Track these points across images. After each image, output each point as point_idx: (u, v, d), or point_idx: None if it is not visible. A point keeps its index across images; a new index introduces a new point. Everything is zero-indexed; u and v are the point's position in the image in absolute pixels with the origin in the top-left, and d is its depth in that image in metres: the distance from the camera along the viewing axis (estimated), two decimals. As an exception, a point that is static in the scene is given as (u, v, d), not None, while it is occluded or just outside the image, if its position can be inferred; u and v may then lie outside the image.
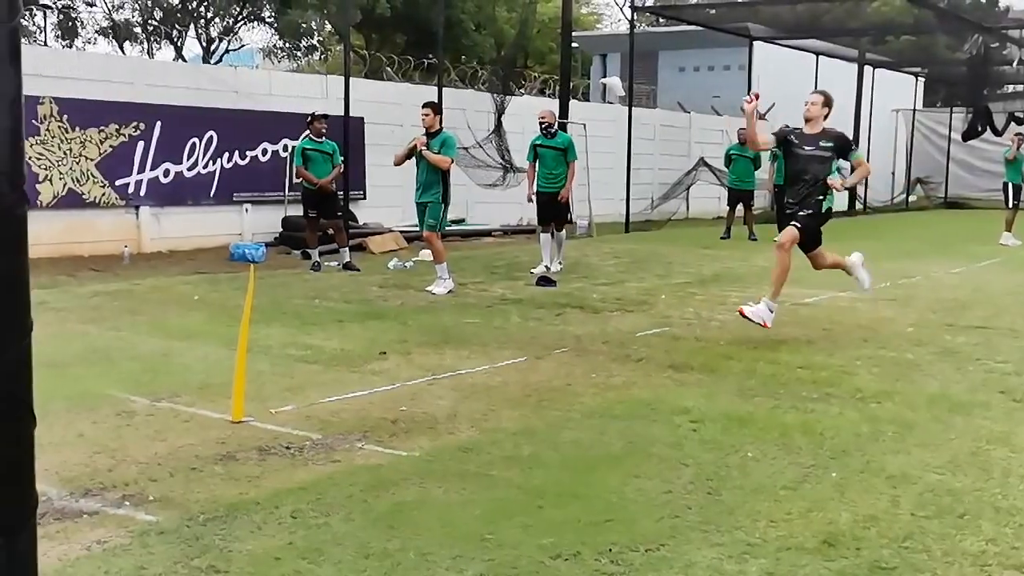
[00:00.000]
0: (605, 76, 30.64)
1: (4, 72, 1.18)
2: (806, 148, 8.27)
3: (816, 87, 26.92)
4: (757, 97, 8.31)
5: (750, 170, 18.61)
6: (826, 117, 8.46)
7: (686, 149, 25.20)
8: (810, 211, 8.25)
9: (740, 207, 18.94)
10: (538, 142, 12.92)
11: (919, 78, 34.19)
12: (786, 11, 23.51)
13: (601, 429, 5.47)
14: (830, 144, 8.31)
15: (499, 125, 18.59)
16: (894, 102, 33.39)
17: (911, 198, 33.62)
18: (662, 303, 10.31)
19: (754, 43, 25.57)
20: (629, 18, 22.52)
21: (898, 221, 26.11)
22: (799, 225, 8.21)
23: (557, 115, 14.93)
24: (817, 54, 27.19)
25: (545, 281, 11.59)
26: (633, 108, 21.70)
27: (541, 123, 12.90)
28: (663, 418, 5.70)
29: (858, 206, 29.58)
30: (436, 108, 11.24)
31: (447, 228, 17.88)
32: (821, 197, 8.28)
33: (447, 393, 6.25)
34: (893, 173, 33.25)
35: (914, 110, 33.92)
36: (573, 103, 20.50)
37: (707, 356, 7.50)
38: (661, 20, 31.15)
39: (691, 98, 28.36)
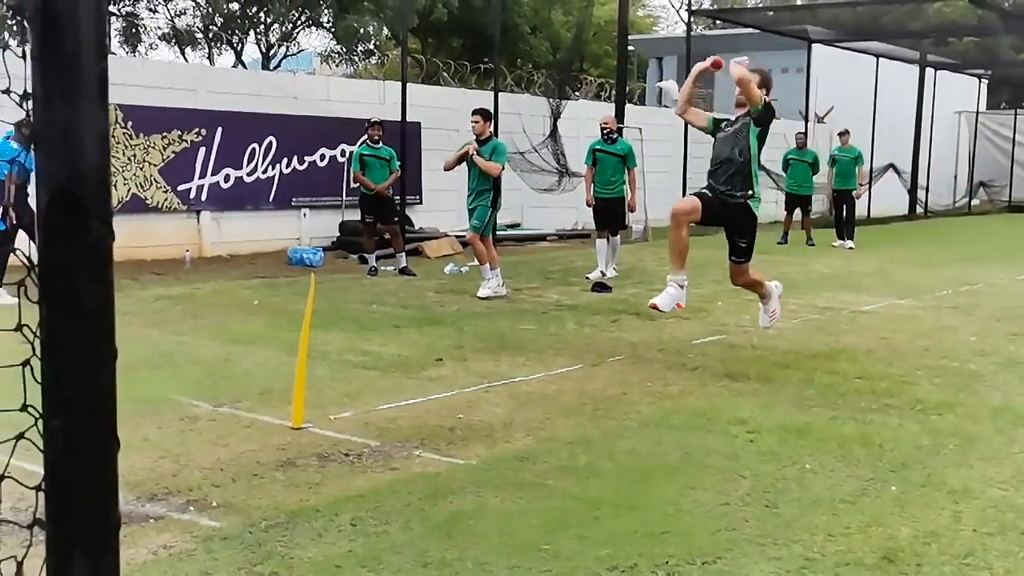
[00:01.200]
0: (661, 80, 30.51)
1: (95, 113, 1.23)
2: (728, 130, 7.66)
3: (876, 90, 26.64)
4: (718, 65, 7.60)
5: (808, 175, 18.44)
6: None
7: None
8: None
9: (798, 212, 18.76)
10: (598, 147, 12.96)
11: (982, 79, 33.59)
12: (846, 13, 23.25)
13: (657, 439, 5.47)
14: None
15: (555, 129, 18.61)
16: (956, 104, 32.84)
17: (974, 202, 33.05)
18: (719, 310, 10.26)
19: (813, 45, 25.31)
20: (686, 21, 22.43)
21: (960, 225, 25.70)
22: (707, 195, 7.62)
23: (608, 115, 14.93)
24: (877, 56, 26.84)
25: (600, 287, 11.59)
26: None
27: (603, 129, 12.95)
28: (719, 428, 5.69)
29: (918, 210, 29.16)
30: (486, 115, 11.29)
31: (503, 232, 18.00)
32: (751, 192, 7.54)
33: (503, 401, 6.29)
34: (955, 176, 32.70)
35: (977, 112, 33.32)
36: (629, 107, 20.45)
37: (764, 365, 7.46)
38: (718, 23, 30.95)
39: (748, 101, 28.11)
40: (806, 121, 24.40)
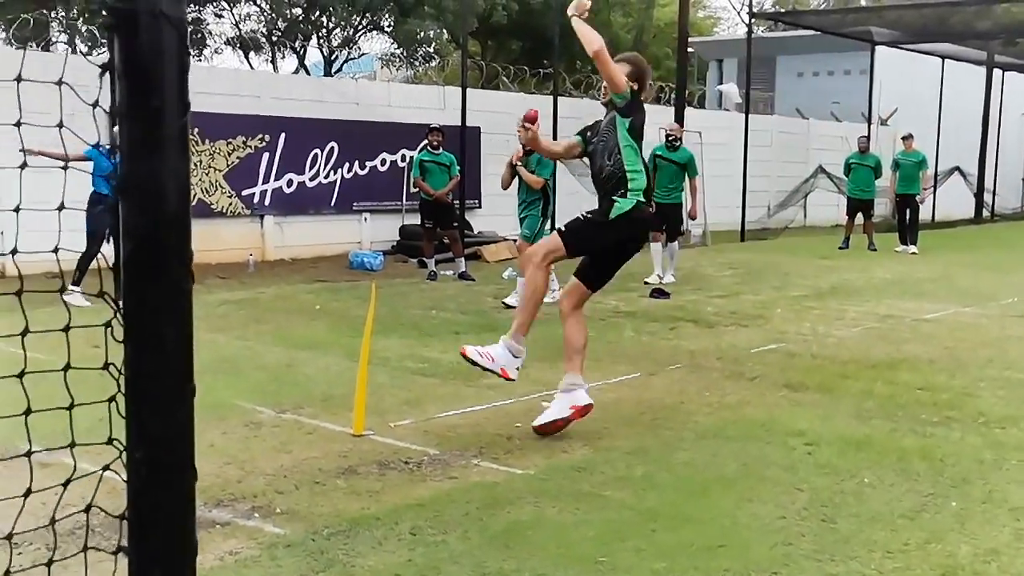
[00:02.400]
0: (721, 82, 30.34)
1: (176, 164, 1.31)
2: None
3: (941, 91, 26.21)
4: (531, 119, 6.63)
5: (870, 179, 18.23)
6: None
7: (804, 156, 24.77)
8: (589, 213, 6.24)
9: (859, 216, 18.56)
10: (659, 152, 12.97)
11: (1052, 80, 32.87)
12: (911, 14, 22.91)
13: (714, 450, 5.48)
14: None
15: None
16: (1025, 105, 32.22)
17: (1043, 205, 32.38)
18: (778, 317, 10.20)
19: (876, 47, 24.99)
20: (747, 23, 22.29)
21: (1028, 230, 25.19)
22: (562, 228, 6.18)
23: (675, 122, 14.91)
24: (943, 57, 26.42)
25: (659, 293, 11.58)
26: (750, 115, 21.46)
27: (668, 136, 12.95)
28: (777, 440, 5.68)
29: (985, 213, 28.64)
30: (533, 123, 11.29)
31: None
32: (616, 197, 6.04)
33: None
34: (1023, 179, 32.06)
35: (1046, 114, 32.62)
36: (689, 111, 20.37)
37: (823, 375, 7.42)
38: (779, 25, 30.67)
39: (810, 104, 27.87)
40: (869, 124, 24.10)
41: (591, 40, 5.80)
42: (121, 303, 1.31)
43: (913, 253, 17.61)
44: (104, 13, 1.25)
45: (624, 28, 32.22)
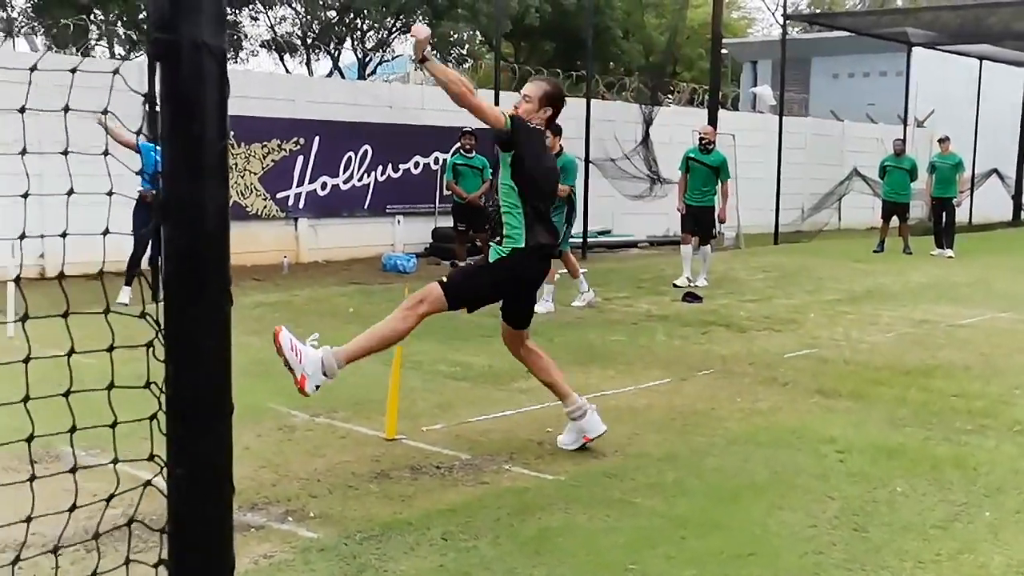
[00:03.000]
0: (755, 84, 30.19)
1: (216, 187, 1.35)
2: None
3: (979, 93, 25.94)
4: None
5: (906, 182, 18.07)
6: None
7: (839, 158, 24.61)
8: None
9: (895, 219, 18.41)
10: (692, 155, 12.97)
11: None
12: (947, 15, 22.69)
13: (745, 457, 5.48)
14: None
15: (647, 136, 18.59)
16: (1064, 106, 31.78)
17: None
18: (811, 322, 10.16)
19: (912, 48, 24.79)
20: (781, 24, 22.18)
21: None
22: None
23: (708, 125, 14.90)
24: (980, 58, 26.15)
25: (691, 297, 11.57)
26: (784, 117, 21.35)
27: (702, 139, 12.94)
28: (809, 447, 5.67)
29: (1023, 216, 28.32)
30: (556, 130, 11.25)
31: (593, 239, 18.04)
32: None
33: (591, 414, 6.34)
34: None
35: (1086, 115, 32.18)
36: (722, 113, 20.32)
37: (856, 381, 7.38)
38: (814, 26, 30.49)
39: (845, 106, 27.69)
40: (905, 126, 23.90)
41: (449, 81, 5.04)
42: (162, 322, 1.35)
43: (949, 257, 17.45)
44: (149, 42, 1.29)
45: (657, 29, 32.13)
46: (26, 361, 1.64)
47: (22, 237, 1.79)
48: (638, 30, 32.25)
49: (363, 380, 7.14)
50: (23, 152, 1.82)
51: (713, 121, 18.64)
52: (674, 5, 33.65)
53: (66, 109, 1.73)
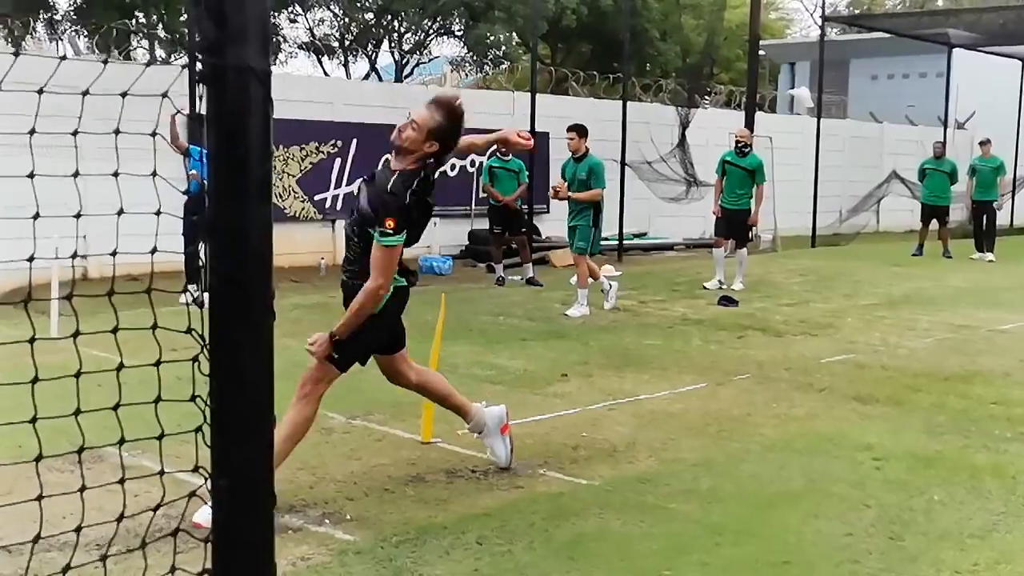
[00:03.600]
0: (793, 86, 29.99)
1: (259, 207, 1.39)
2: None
3: (1021, 95, 25.59)
4: None
5: (946, 185, 17.89)
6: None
7: (878, 161, 24.39)
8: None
9: (934, 222, 18.23)
10: (728, 158, 12.94)
11: None
12: (989, 15, 22.42)
13: (781, 463, 5.47)
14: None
15: (683, 138, 18.55)
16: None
17: None
18: (848, 327, 10.09)
19: (953, 50, 24.53)
20: (820, 25, 22.03)
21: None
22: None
23: (744, 127, 14.84)
24: (1023, 60, 25.81)
25: (727, 300, 11.53)
26: (822, 119, 21.20)
27: (738, 142, 12.91)
28: (845, 454, 5.64)
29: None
30: (582, 131, 11.26)
31: (629, 241, 18.02)
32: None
33: (627, 419, 6.36)
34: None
35: None
36: (759, 115, 20.22)
37: (894, 387, 7.34)
38: (853, 27, 30.24)
39: (884, 107, 27.43)
40: (945, 128, 23.65)
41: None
42: (207, 337, 1.39)
43: (990, 261, 17.26)
44: (197, 66, 1.33)
45: (695, 31, 32.01)
46: (78, 376, 1.69)
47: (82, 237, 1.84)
48: (675, 31, 32.15)
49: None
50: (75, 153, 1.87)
51: (750, 123, 18.55)
52: (712, 6, 33.52)
53: (124, 94, 1.78)
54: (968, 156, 20.90)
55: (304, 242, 15.08)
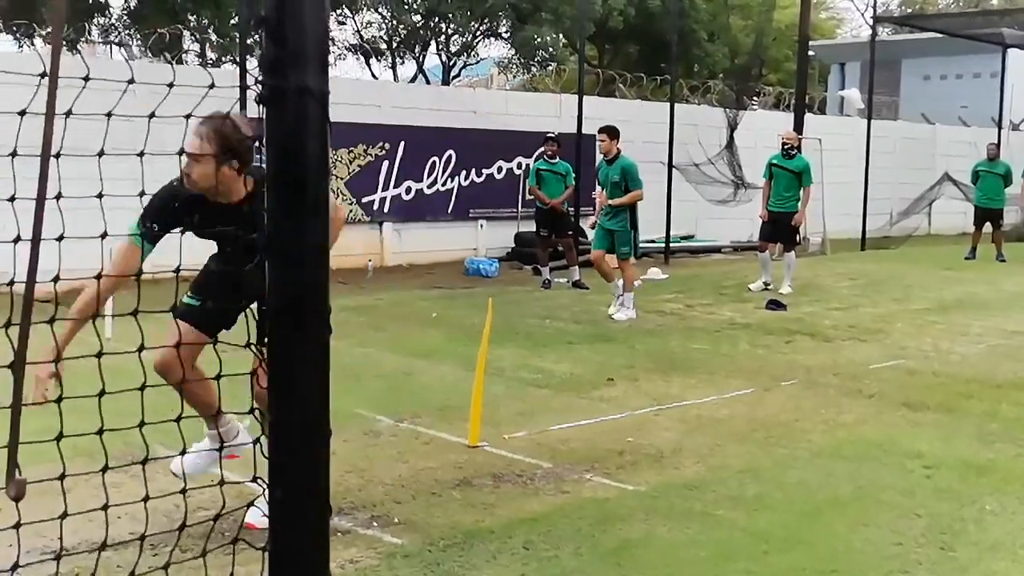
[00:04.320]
0: (843, 86, 29.69)
1: (317, 226, 1.42)
2: None
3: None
4: None
5: (999, 187, 17.61)
6: None
7: (929, 162, 24.06)
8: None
9: (987, 225, 17.96)
10: (774, 161, 12.88)
11: None
12: (1046, 14, 22.06)
13: (829, 470, 5.43)
14: None
15: (731, 140, 18.44)
16: None
17: None
18: (898, 332, 9.98)
19: (1008, 49, 24.15)
20: (871, 25, 21.79)
21: None
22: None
23: (791, 130, 14.73)
24: (1080, 59, 25.36)
25: (775, 304, 11.45)
26: (873, 120, 20.98)
27: (784, 145, 12.84)
28: (895, 462, 5.59)
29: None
30: (613, 133, 11.19)
31: (676, 244, 17.95)
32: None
33: (673, 424, 6.35)
34: None
35: None
36: (809, 116, 20.03)
37: (945, 394, 7.25)
38: (904, 27, 29.87)
39: (936, 108, 27.05)
40: (999, 129, 23.29)
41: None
42: (265, 352, 1.42)
43: (1045, 264, 16.97)
44: (257, 87, 1.36)
45: (743, 31, 31.79)
46: (142, 389, 1.74)
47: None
48: (723, 32, 31.94)
49: (446, 386, 7.26)
50: (143, 155, 1.92)
51: (799, 125, 18.40)
52: (761, 7, 33.27)
53: (187, 116, 1.82)
54: (1022, 158, 20.57)
55: (352, 244, 15.18)
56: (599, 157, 17.73)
